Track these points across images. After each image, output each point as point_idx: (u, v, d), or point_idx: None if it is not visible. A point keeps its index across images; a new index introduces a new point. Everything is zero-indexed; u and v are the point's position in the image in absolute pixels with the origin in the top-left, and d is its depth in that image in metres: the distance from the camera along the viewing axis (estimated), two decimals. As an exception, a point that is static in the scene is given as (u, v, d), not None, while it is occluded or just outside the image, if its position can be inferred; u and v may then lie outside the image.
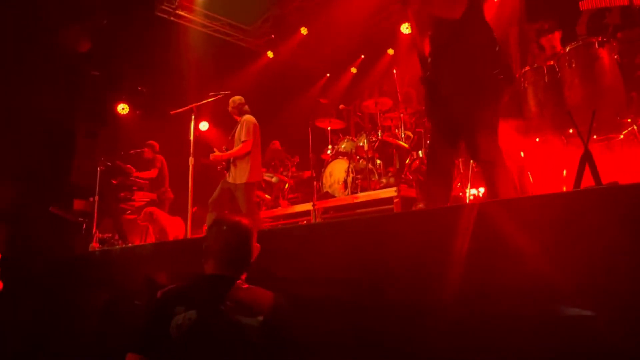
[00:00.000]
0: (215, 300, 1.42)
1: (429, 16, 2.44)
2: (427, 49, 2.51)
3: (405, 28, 6.64)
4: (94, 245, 5.06)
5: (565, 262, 1.04)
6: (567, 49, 3.37)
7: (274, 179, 6.19)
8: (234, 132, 4.34)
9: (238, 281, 1.52)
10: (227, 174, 4.26)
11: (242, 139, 4.19)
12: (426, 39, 2.52)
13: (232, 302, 1.42)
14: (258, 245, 1.65)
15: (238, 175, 4.16)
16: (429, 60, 2.46)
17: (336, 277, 1.65)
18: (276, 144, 6.98)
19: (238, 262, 1.57)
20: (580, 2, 3.35)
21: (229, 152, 4.24)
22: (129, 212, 6.20)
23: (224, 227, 1.60)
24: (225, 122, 6.78)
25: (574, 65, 3.31)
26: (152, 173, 6.17)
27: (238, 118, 4.42)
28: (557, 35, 3.90)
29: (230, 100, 4.47)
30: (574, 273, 1.01)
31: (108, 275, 3.26)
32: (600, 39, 3.28)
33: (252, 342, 1.36)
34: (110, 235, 5.99)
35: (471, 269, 1.23)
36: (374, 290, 1.49)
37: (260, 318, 1.40)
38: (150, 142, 6.32)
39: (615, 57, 3.29)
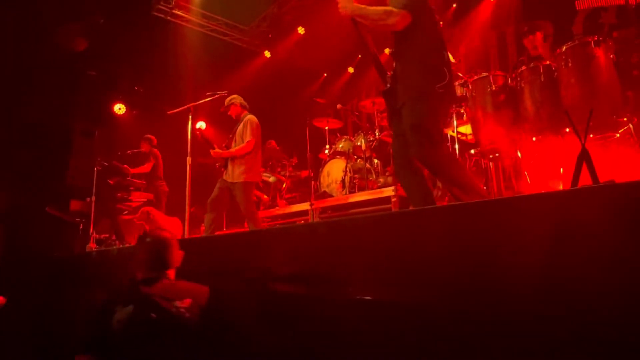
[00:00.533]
0: (147, 295, 1.77)
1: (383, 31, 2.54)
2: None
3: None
4: (91, 246, 5.04)
5: (562, 261, 1.04)
6: (564, 48, 3.38)
7: (271, 179, 6.18)
8: (235, 130, 4.29)
9: (165, 280, 1.88)
10: (225, 173, 4.22)
11: (247, 138, 4.17)
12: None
13: (162, 293, 1.78)
14: (181, 251, 2.03)
15: (237, 174, 4.13)
16: (389, 73, 2.56)
17: (334, 276, 1.66)
18: (272, 144, 6.98)
19: (162, 266, 1.92)
20: (576, 2, 3.37)
21: (231, 150, 4.20)
22: (126, 212, 6.18)
23: (148, 239, 1.99)
24: (222, 121, 6.79)
25: (570, 65, 3.32)
26: (147, 167, 6.16)
27: (235, 116, 4.39)
28: (539, 36, 3.94)
29: (231, 98, 4.41)
30: (571, 271, 1.02)
31: (105, 276, 3.25)
32: (596, 39, 3.29)
33: (184, 319, 1.72)
34: (107, 235, 5.97)
35: (468, 267, 1.24)
36: (371, 288, 1.50)
37: (189, 301, 1.78)
38: (148, 135, 6.31)
39: (611, 56, 3.31)
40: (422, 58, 2.40)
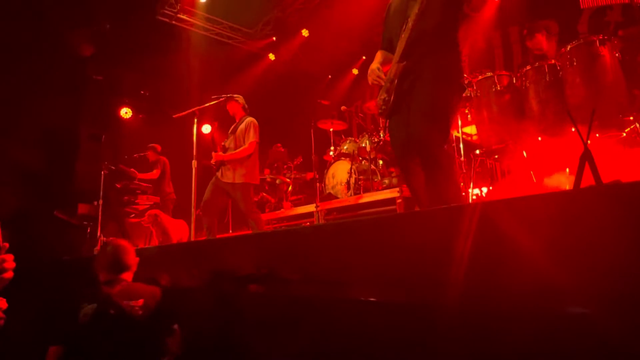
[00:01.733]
0: (108, 294, 2.10)
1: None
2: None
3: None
4: (98, 249, 5.09)
5: (567, 262, 1.04)
6: (568, 47, 3.36)
7: (277, 181, 6.21)
8: (235, 131, 4.27)
9: (123, 282, 2.18)
10: (220, 173, 4.15)
11: (250, 139, 4.16)
12: None
13: (120, 293, 2.10)
14: (137, 258, 2.32)
15: (237, 175, 4.08)
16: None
17: (340, 278, 1.66)
18: (278, 146, 7.01)
19: (120, 269, 2.22)
20: (580, 0, 3.35)
21: (235, 152, 4.17)
22: (133, 215, 6.23)
23: (109, 248, 2.28)
24: (228, 124, 6.83)
25: (575, 64, 3.30)
26: (154, 174, 6.22)
27: (233, 113, 4.38)
28: (539, 37, 3.93)
29: (234, 95, 4.40)
30: (575, 272, 1.01)
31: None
32: (601, 37, 3.27)
33: (137, 316, 2.03)
34: (114, 238, 6.01)
35: (473, 269, 1.24)
36: (376, 291, 1.50)
37: (142, 300, 2.08)
38: (153, 144, 6.37)
39: (617, 55, 3.28)
40: (452, 47, 2.32)
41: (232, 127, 4.40)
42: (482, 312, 1.21)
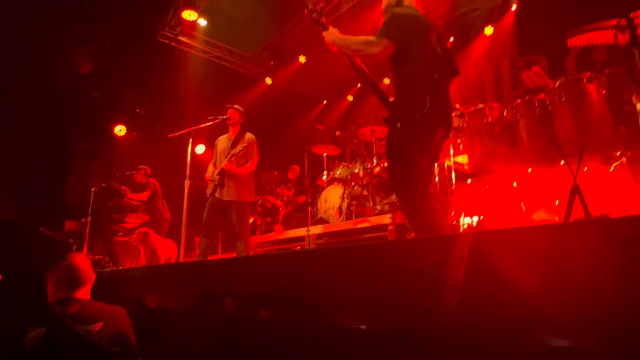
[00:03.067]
0: (59, 316, 1.84)
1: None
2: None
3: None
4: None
5: (556, 294, 1.05)
6: (557, 83, 3.48)
7: (278, 202, 6.21)
8: (235, 146, 4.17)
9: (77, 301, 1.95)
10: (218, 191, 4.08)
11: (253, 156, 4.14)
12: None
13: (74, 315, 1.85)
14: (94, 274, 2.15)
15: (237, 193, 4.04)
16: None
17: (328, 303, 1.65)
18: (275, 173, 7.03)
19: (76, 287, 2.01)
20: (568, 40, 3.49)
21: (242, 166, 4.09)
22: (121, 234, 6.14)
23: (65, 263, 2.07)
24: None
25: (563, 99, 3.41)
26: (144, 196, 6.16)
27: (232, 122, 4.31)
28: (536, 70, 4.04)
29: (237, 107, 4.37)
30: (565, 304, 1.02)
31: (96, 299, 3.20)
32: (588, 75, 3.40)
33: (93, 342, 1.78)
34: (100, 257, 5.90)
35: (464, 299, 1.24)
36: (366, 318, 1.49)
37: (100, 324, 1.85)
38: (143, 166, 6.32)
39: (603, 92, 3.40)
40: (407, 85, 2.38)
41: (229, 140, 4.31)
42: (473, 342, 1.20)
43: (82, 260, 2.14)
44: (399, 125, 2.30)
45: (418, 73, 2.35)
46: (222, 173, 4.11)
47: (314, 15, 2.69)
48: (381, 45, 2.29)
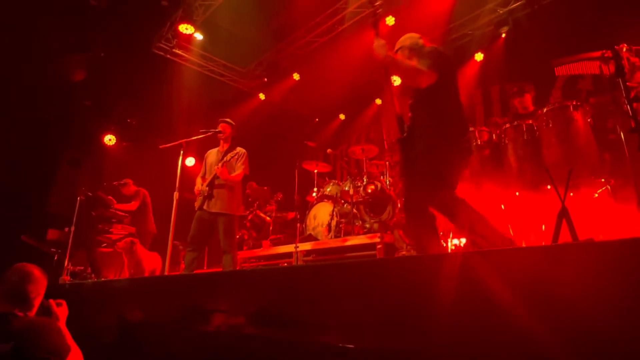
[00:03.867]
0: None
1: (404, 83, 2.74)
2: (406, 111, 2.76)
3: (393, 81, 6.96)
4: (64, 278, 4.85)
5: (542, 314, 1.06)
6: (545, 110, 3.57)
7: (267, 219, 6.17)
8: (225, 155, 4.15)
9: (16, 314, 1.85)
10: (206, 204, 4.04)
11: (240, 168, 4.11)
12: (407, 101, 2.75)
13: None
14: (42, 292, 2.05)
15: (225, 205, 4.01)
16: (406, 122, 2.71)
17: (315, 321, 1.63)
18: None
19: (20, 301, 1.92)
20: (555, 68, 3.60)
21: (232, 175, 4.06)
22: (105, 244, 6.01)
23: (9, 272, 1.99)
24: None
25: (550, 125, 3.49)
26: (133, 206, 6.06)
27: (225, 137, 4.30)
28: (528, 97, 4.15)
29: (229, 121, 4.36)
30: (551, 325, 1.03)
31: (77, 311, 3.11)
32: (574, 103, 3.50)
33: None
34: (82, 268, 5.75)
35: (452, 318, 1.24)
36: (354, 336, 1.47)
37: (10, 345, 1.70)
38: (127, 179, 6.21)
39: (589, 120, 3.50)
40: (446, 112, 2.54)
41: (220, 153, 4.28)
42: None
43: (33, 275, 2.04)
44: (445, 149, 2.44)
45: (455, 101, 2.57)
46: (212, 185, 4.09)
47: (374, 15, 2.85)
48: (427, 75, 2.48)
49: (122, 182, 6.14)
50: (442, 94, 2.54)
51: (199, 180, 4.32)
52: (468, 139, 2.52)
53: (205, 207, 4.06)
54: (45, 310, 2.21)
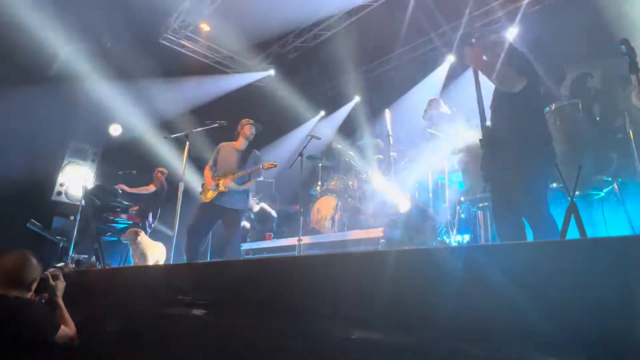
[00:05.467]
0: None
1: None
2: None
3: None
4: (69, 266, 4.88)
5: (549, 309, 1.05)
6: (553, 107, 3.55)
7: (272, 212, 6.18)
8: (243, 160, 4.14)
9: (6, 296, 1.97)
10: (217, 197, 3.98)
11: (257, 177, 4.15)
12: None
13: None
14: (36, 277, 2.14)
15: (234, 201, 4.01)
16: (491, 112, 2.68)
17: (317, 311, 1.63)
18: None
19: (18, 285, 2.05)
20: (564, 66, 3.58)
21: (250, 181, 4.09)
22: (109, 233, 6.06)
23: (6, 256, 2.08)
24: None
25: (558, 123, 3.47)
26: (148, 188, 6.13)
27: (243, 137, 4.23)
28: None
29: (254, 125, 4.30)
30: (558, 320, 1.03)
31: (80, 298, 3.14)
32: (583, 101, 3.47)
33: None
34: (87, 256, 5.81)
35: (455, 312, 1.24)
36: (357, 327, 1.47)
37: None
38: (161, 169, 6.34)
39: (597, 118, 3.48)
40: (537, 118, 2.54)
41: (237, 152, 4.22)
42: (463, 356, 1.20)
43: (27, 260, 2.13)
44: (535, 153, 2.42)
45: (542, 108, 2.59)
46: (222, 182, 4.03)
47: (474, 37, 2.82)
48: (521, 83, 2.47)
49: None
50: (530, 97, 2.51)
51: (208, 173, 4.19)
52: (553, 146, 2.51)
53: (214, 200, 4.01)
54: (45, 285, 2.30)
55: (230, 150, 4.23)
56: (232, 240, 3.98)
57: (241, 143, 4.24)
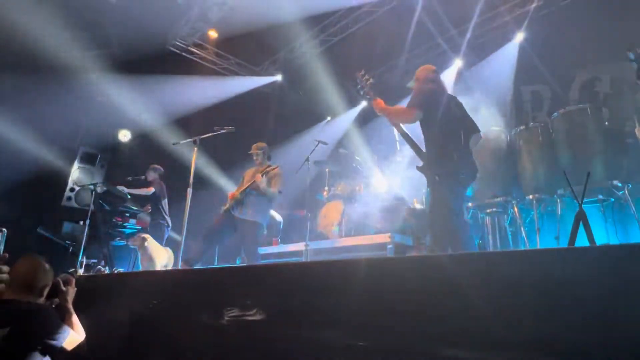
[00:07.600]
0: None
1: None
2: None
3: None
4: (78, 271, 4.94)
5: (559, 317, 1.05)
6: (561, 112, 3.52)
7: (278, 217, 6.19)
8: (256, 173, 4.24)
9: (19, 301, 1.95)
10: (237, 210, 4.11)
11: (277, 187, 4.21)
12: None
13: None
14: (48, 284, 2.15)
15: (254, 214, 4.10)
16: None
17: (325, 317, 1.63)
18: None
19: (28, 290, 2.05)
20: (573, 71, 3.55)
21: (270, 190, 4.17)
22: (118, 238, 6.10)
23: (20, 261, 2.07)
24: (224, 156, 6.88)
25: (567, 128, 3.44)
26: (147, 190, 6.04)
27: (260, 161, 4.42)
28: None
29: (260, 145, 4.49)
30: (566, 328, 1.02)
31: (89, 303, 3.16)
32: (591, 106, 3.44)
33: (2, 348, 1.77)
34: (96, 261, 5.86)
35: (463, 318, 1.23)
36: (362, 333, 1.47)
37: (7, 329, 1.82)
38: (154, 165, 6.15)
39: (606, 123, 3.44)
40: (436, 143, 2.77)
41: (259, 170, 4.35)
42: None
43: (40, 266, 2.14)
44: (437, 178, 2.67)
45: (443, 133, 2.75)
46: (245, 193, 4.16)
47: (363, 90, 3.26)
48: (409, 114, 2.82)
49: (151, 166, 6.11)
50: (433, 126, 2.77)
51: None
52: (455, 168, 2.70)
53: (233, 211, 4.12)
54: (57, 290, 2.30)
55: (252, 171, 4.43)
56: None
57: (258, 164, 4.48)
